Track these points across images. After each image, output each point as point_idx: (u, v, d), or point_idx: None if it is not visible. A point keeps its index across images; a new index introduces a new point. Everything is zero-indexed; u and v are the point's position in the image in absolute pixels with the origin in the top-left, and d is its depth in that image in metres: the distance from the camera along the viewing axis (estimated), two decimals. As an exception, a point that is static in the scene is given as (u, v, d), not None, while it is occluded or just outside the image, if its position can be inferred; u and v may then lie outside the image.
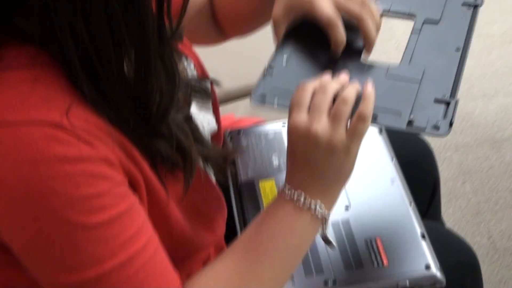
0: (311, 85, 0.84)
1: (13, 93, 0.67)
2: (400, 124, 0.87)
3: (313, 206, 0.83)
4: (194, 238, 0.88)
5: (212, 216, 0.92)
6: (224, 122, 1.22)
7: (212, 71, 1.11)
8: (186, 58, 0.96)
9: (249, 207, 1.06)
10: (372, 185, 1.07)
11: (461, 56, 0.96)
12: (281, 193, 0.84)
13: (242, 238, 0.84)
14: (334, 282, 0.95)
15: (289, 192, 0.83)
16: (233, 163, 1.13)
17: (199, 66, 1.01)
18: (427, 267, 0.96)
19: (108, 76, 0.70)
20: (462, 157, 2.13)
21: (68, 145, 0.67)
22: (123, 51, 0.71)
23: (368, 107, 0.81)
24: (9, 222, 0.69)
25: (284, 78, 0.95)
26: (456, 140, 2.18)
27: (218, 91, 1.16)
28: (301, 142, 0.82)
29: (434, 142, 2.15)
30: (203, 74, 1.02)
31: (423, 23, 1.02)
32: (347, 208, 1.04)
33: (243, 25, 1.15)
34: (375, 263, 0.97)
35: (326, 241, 0.88)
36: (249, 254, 0.82)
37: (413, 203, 1.05)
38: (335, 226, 1.02)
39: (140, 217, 0.75)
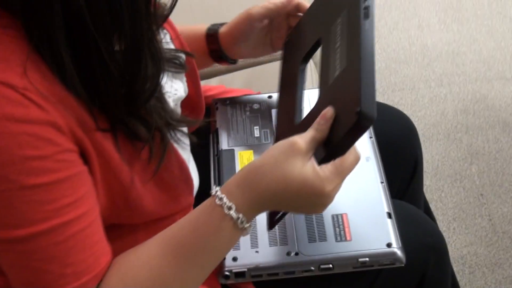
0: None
1: None
2: None
3: (244, 224, 0.83)
4: (155, 205, 0.90)
5: (174, 184, 0.93)
6: (214, 91, 1.25)
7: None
8: (162, 30, 0.98)
9: (226, 175, 1.09)
10: (346, 162, 1.09)
11: None
12: (218, 200, 0.82)
13: (174, 239, 0.83)
14: (297, 253, 0.98)
15: (232, 211, 0.82)
16: (216, 131, 1.16)
17: (177, 38, 1.04)
18: (389, 245, 0.98)
19: (99, 53, 0.73)
20: (472, 138, 2.13)
21: (18, 106, 0.70)
22: (118, 28, 0.74)
23: None
24: None
25: None
26: (467, 121, 2.18)
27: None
28: (312, 197, 0.82)
29: (444, 123, 2.16)
30: (181, 46, 1.04)
31: None
32: (319, 183, 1.06)
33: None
34: (338, 237, 0.99)
35: None
36: (177, 260, 0.82)
37: (384, 183, 1.07)
38: (306, 200, 1.04)
39: (83, 188, 0.77)
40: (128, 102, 0.79)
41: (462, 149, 2.10)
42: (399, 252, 0.98)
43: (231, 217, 0.81)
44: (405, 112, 1.33)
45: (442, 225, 1.89)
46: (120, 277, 0.80)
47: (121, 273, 0.80)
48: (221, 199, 0.82)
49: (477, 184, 2.01)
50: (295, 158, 0.80)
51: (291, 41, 1.10)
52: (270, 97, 1.21)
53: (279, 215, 0.92)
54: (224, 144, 1.14)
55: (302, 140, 0.81)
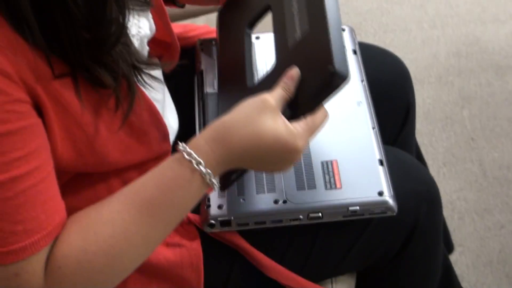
0: None
1: None
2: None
3: (212, 180, 0.81)
4: (124, 153, 0.86)
5: (143, 129, 0.88)
6: (198, 31, 1.20)
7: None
8: None
9: (211, 119, 1.05)
10: (337, 106, 1.04)
11: None
12: (186, 156, 0.80)
13: (138, 195, 0.80)
14: (285, 201, 0.95)
15: (202, 167, 0.79)
16: (201, 73, 1.11)
17: None
18: (380, 193, 0.95)
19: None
20: (464, 82, 2.09)
21: None
22: None
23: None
24: None
25: None
26: (459, 64, 2.14)
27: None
28: (284, 154, 0.82)
29: (436, 66, 2.12)
30: None
31: None
32: (308, 128, 1.03)
33: None
34: (328, 185, 0.96)
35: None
36: (142, 215, 0.79)
37: (376, 128, 1.03)
38: (294, 146, 1.00)
39: (35, 142, 0.72)
40: (92, 48, 0.74)
41: (453, 92, 2.07)
42: (390, 201, 0.95)
43: (200, 172, 0.79)
44: (396, 54, 1.28)
45: (432, 170, 1.87)
46: (81, 233, 0.77)
47: (82, 230, 0.77)
48: (189, 154, 0.79)
49: (468, 128, 1.97)
50: (267, 114, 0.80)
51: (229, 8, 1.11)
52: (257, 38, 1.16)
53: (237, 174, 0.90)
54: (209, 87, 1.09)
55: (272, 97, 0.82)
